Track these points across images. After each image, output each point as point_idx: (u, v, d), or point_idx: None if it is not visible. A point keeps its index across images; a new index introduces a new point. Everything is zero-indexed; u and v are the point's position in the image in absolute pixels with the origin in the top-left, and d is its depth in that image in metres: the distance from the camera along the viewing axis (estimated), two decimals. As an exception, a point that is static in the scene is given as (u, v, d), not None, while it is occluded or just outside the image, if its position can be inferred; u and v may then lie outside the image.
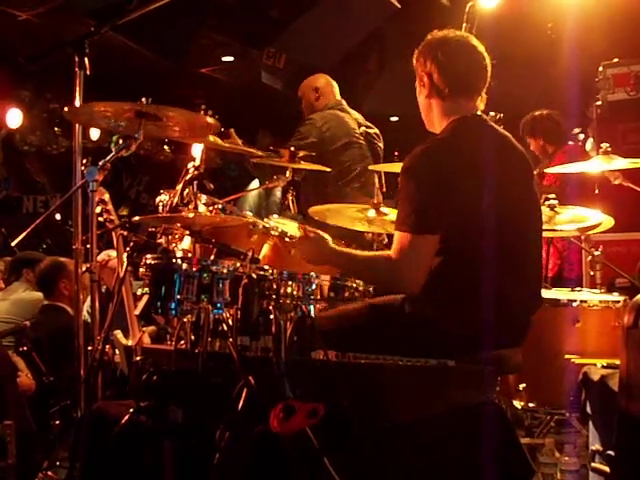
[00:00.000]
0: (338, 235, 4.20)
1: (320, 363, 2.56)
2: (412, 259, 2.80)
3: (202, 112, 3.64)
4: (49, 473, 3.69)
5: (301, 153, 4.41)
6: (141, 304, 2.96)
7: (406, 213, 2.83)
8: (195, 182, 3.51)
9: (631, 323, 2.60)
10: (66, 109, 3.47)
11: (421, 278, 2.80)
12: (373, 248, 4.26)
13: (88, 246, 3.41)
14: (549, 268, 5.58)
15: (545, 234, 4.13)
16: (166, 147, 11.43)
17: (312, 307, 2.92)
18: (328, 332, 2.69)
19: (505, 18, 5.82)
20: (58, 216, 9.68)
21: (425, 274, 2.80)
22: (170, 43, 7.87)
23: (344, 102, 5.39)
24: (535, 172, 3.34)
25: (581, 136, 7.54)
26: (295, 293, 2.90)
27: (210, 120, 3.42)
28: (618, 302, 3.72)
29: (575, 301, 3.74)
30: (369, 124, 5.41)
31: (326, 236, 3.10)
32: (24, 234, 3.44)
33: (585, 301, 3.75)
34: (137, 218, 3.42)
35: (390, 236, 3.93)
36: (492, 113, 3.21)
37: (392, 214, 3.85)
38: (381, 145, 5.41)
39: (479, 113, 3.04)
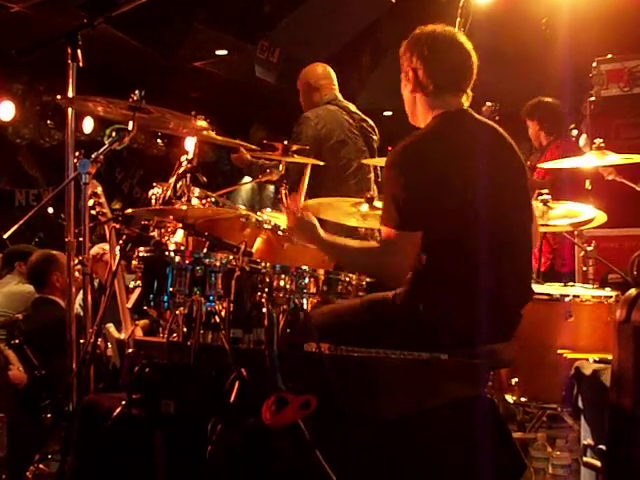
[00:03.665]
0: (331, 230, 4.21)
1: (312, 355, 2.56)
2: (397, 254, 2.84)
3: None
4: (41, 466, 3.69)
5: (294, 147, 4.38)
6: (134, 297, 2.95)
7: (390, 210, 2.87)
8: (188, 175, 3.50)
9: (623, 318, 2.60)
10: (58, 97, 3.47)
11: (406, 271, 2.86)
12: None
13: (81, 239, 3.40)
14: (541, 262, 5.58)
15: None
16: (159, 141, 11.41)
17: (305, 300, 2.91)
18: (322, 327, 2.70)
19: (499, 13, 5.82)
20: (50, 209, 9.66)
21: (410, 267, 2.85)
22: (164, 36, 7.87)
23: (340, 95, 5.36)
24: (527, 164, 3.35)
25: (574, 132, 7.55)
26: (288, 286, 2.89)
27: (201, 123, 3.42)
28: (610, 297, 3.73)
29: (568, 296, 3.75)
30: (364, 117, 5.38)
31: (314, 221, 3.15)
32: (16, 227, 3.42)
33: (578, 296, 3.76)
34: (130, 210, 3.41)
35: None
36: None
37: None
38: (375, 137, 5.38)
39: (465, 108, 3.04)
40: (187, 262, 2.84)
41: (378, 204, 3.92)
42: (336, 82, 5.39)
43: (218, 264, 2.85)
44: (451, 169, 2.83)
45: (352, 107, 5.36)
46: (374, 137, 5.37)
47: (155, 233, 3.49)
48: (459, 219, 2.81)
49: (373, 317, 2.90)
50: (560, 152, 5.87)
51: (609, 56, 5.87)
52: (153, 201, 3.62)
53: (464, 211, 2.82)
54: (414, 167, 2.84)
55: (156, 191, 3.63)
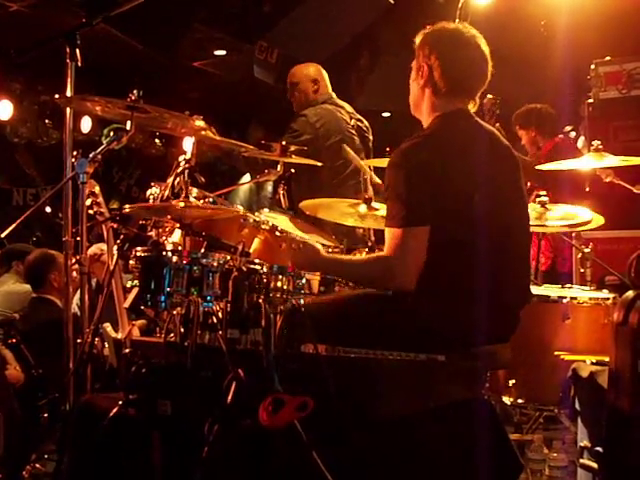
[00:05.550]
0: (330, 230, 4.21)
1: (310, 356, 2.56)
2: (405, 253, 2.76)
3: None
4: (37, 466, 3.69)
5: (293, 147, 4.37)
6: (131, 296, 2.95)
7: (395, 209, 2.81)
8: (186, 175, 3.49)
9: (621, 320, 2.59)
10: (57, 96, 3.47)
11: (416, 272, 2.75)
12: (365, 244, 4.24)
13: (78, 238, 3.40)
14: (541, 262, 5.57)
15: (535, 230, 4.15)
16: (157, 141, 11.40)
17: (302, 301, 2.91)
18: (318, 321, 2.68)
19: (498, 15, 5.81)
20: (48, 208, 9.66)
21: (420, 267, 2.76)
22: (162, 36, 7.86)
23: (334, 95, 5.34)
24: (527, 158, 3.34)
25: (572, 134, 7.56)
26: (285, 287, 2.89)
27: (199, 123, 3.42)
28: (608, 299, 3.73)
29: (565, 298, 3.75)
30: (359, 117, 5.37)
31: (317, 245, 3.07)
32: (13, 226, 3.43)
33: (575, 298, 3.76)
34: (127, 207, 3.40)
35: (378, 232, 3.92)
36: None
37: (383, 209, 3.84)
38: (371, 137, 5.36)
39: (464, 108, 3.03)
40: (184, 262, 2.84)
41: (376, 205, 3.92)
42: (329, 82, 5.35)
43: (215, 264, 2.84)
44: (452, 171, 2.82)
45: (348, 107, 5.34)
46: (370, 137, 5.35)
47: (153, 233, 3.48)
48: (459, 220, 2.80)
49: (371, 315, 2.88)
50: (554, 146, 5.89)
51: (607, 58, 5.87)
52: (151, 201, 3.63)
53: (464, 212, 2.81)
54: (415, 167, 2.82)
55: (154, 191, 3.63)
